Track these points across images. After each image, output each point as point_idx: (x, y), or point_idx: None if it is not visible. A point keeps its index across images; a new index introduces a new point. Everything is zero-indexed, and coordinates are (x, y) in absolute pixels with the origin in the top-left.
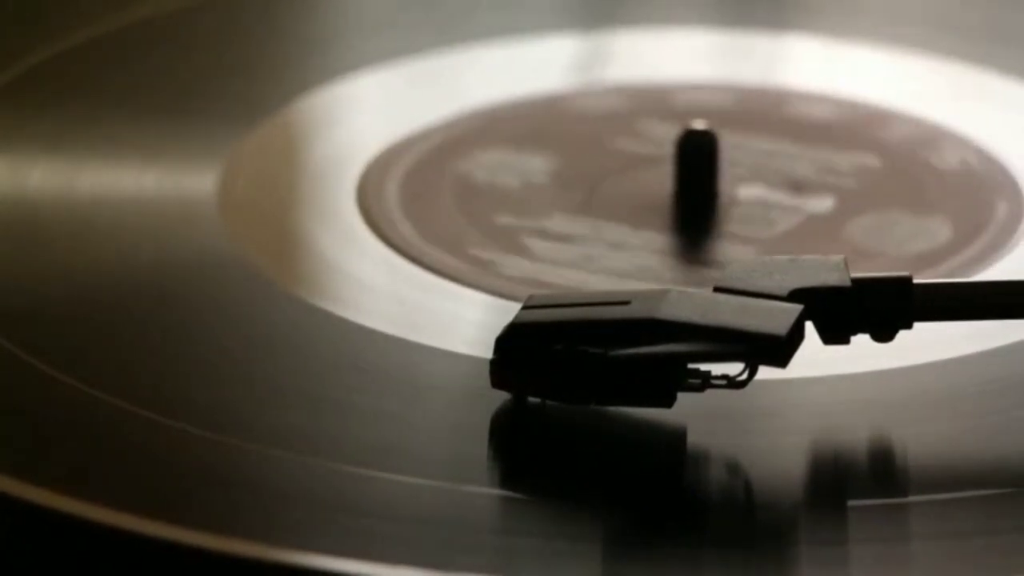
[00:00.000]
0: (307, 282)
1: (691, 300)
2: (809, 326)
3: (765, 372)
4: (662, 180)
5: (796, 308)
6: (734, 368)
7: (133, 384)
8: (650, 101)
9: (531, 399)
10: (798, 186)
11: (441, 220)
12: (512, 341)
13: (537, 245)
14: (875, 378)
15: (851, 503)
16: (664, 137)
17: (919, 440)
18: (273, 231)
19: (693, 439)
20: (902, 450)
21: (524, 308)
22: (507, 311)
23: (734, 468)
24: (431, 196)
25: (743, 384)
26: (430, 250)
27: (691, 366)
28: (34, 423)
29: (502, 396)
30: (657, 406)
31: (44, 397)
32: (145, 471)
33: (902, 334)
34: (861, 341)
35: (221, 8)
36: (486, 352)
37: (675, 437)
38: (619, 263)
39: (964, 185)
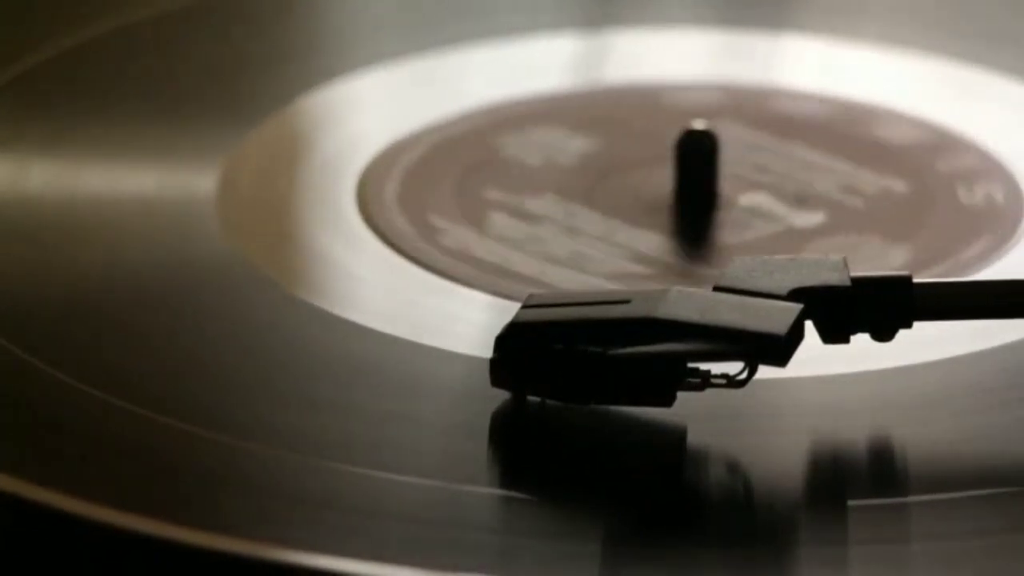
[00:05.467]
0: (307, 282)
1: (690, 299)
2: (809, 325)
3: (765, 371)
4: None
5: (796, 307)
6: (734, 367)
7: (133, 384)
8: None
9: (531, 398)
10: (801, 199)
11: (434, 203)
12: (512, 340)
13: (497, 220)
14: (875, 378)
15: (851, 503)
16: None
17: (919, 440)
18: (273, 231)
19: (693, 439)
20: (902, 450)
21: (524, 307)
22: (507, 310)
23: (734, 468)
24: (430, 191)
25: (743, 383)
26: (430, 250)
27: (691, 365)
28: (33, 422)
29: (502, 395)
30: (657, 405)
31: (43, 396)
32: (144, 470)
33: (902, 334)
34: (861, 341)
35: (221, 8)
36: (486, 351)
37: (675, 437)
38: (558, 249)
39: (966, 216)
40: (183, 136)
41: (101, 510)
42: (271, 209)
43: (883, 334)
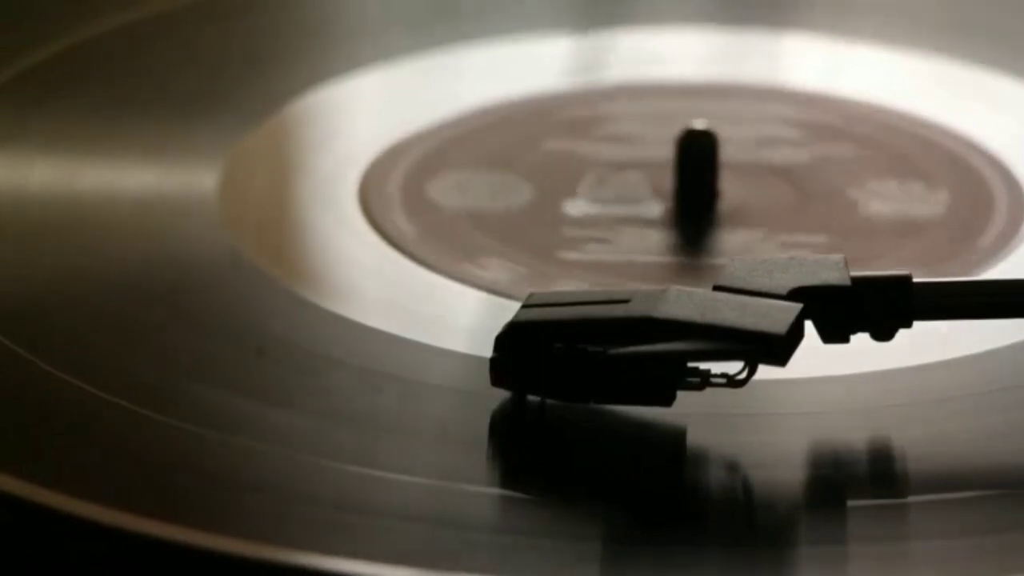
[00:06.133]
0: (308, 281)
1: (690, 299)
2: (809, 325)
3: (765, 371)
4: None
5: (796, 307)
6: (734, 367)
7: (133, 383)
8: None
9: (531, 398)
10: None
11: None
12: (512, 340)
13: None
14: (875, 378)
15: (850, 503)
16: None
17: (919, 440)
18: (275, 230)
19: (693, 439)
20: (901, 450)
21: (524, 307)
22: (507, 310)
23: (734, 468)
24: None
25: (743, 383)
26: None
27: (690, 365)
28: (33, 422)
29: (502, 395)
30: (657, 405)
31: (44, 396)
32: (144, 470)
33: (902, 334)
34: (861, 340)
35: (221, 8)
36: (486, 351)
37: (675, 437)
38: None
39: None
40: (184, 134)
41: (101, 510)
42: (273, 208)
43: (883, 334)
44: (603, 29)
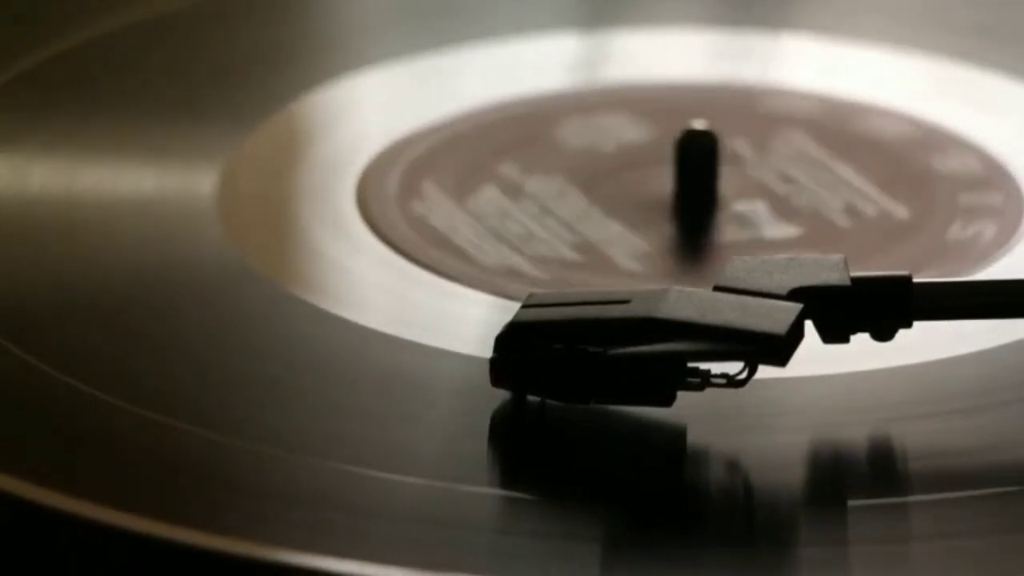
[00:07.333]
0: (307, 282)
1: (690, 299)
2: (809, 325)
3: (765, 371)
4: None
5: (796, 307)
6: (734, 367)
7: (132, 384)
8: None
9: (531, 398)
10: (785, 209)
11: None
12: (512, 340)
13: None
14: (875, 378)
15: (851, 503)
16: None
17: (919, 440)
18: (273, 231)
19: (693, 439)
20: (902, 450)
21: (524, 307)
22: (507, 310)
23: (734, 468)
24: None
25: (743, 383)
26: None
27: (691, 365)
28: (32, 423)
29: (502, 395)
30: (657, 405)
31: (43, 396)
32: (143, 471)
33: (902, 334)
34: (861, 341)
35: (221, 8)
36: (486, 351)
37: (675, 437)
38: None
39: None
40: (183, 136)
41: (101, 510)
42: (271, 209)
43: (883, 334)
44: (603, 29)
